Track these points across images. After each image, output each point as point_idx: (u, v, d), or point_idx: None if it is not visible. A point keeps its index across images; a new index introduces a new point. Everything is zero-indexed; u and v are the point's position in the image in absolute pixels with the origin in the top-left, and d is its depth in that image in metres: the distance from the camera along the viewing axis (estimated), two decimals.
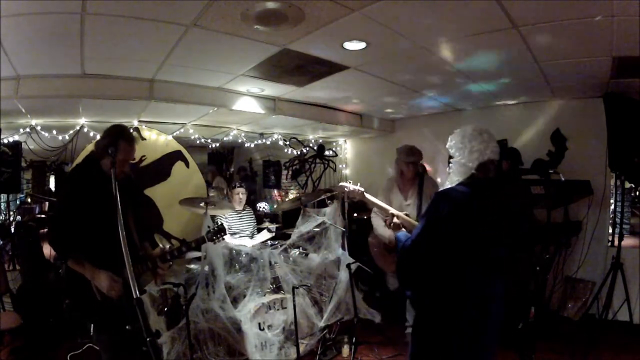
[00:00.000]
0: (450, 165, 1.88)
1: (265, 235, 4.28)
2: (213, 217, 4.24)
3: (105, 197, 1.90)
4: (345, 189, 2.89)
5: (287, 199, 7.45)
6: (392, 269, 3.59)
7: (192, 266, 3.61)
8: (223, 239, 2.77)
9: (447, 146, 1.91)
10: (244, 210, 4.41)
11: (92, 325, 2.23)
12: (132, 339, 1.92)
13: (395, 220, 2.45)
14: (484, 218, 1.73)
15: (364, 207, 3.92)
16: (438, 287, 1.78)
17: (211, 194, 6.23)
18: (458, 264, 1.73)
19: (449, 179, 1.89)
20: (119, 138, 2.17)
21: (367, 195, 2.75)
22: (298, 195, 6.30)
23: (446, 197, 1.75)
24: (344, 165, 7.19)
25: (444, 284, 1.77)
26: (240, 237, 4.29)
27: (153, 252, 2.42)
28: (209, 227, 2.77)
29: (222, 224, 2.80)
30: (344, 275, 3.71)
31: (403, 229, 2.34)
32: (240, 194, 4.36)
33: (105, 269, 2.06)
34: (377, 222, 3.68)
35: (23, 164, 5.34)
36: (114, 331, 2.10)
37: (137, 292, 1.61)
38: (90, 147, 4.40)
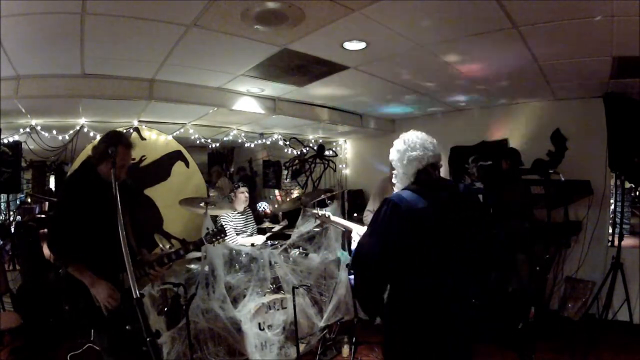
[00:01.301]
0: (394, 175, 1.94)
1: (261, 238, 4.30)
2: (216, 217, 4.26)
3: (103, 202, 1.89)
4: (318, 214, 3.25)
5: (288, 199, 7.45)
6: None
7: (192, 266, 3.61)
8: (223, 240, 2.76)
9: (389, 159, 1.96)
10: (245, 211, 4.45)
11: (92, 329, 2.22)
12: (132, 339, 1.93)
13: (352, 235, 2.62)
14: (427, 217, 1.73)
15: (364, 207, 3.93)
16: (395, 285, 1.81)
17: (212, 194, 6.24)
18: (406, 262, 1.74)
19: (395, 188, 1.94)
20: (117, 143, 2.16)
21: (333, 218, 3.07)
22: (299, 195, 6.30)
23: (388, 200, 1.78)
24: (344, 165, 7.18)
25: (397, 282, 1.80)
26: (242, 237, 4.31)
27: (150, 257, 2.42)
28: (207, 228, 2.76)
29: (222, 226, 2.79)
30: (344, 275, 3.71)
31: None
32: (245, 192, 4.43)
33: (103, 274, 2.06)
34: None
35: (23, 164, 5.33)
36: (113, 333, 2.10)
37: (137, 292, 1.61)
38: (88, 150, 4.41)
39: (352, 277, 1.99)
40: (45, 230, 4.93)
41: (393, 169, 1.97)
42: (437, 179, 1.89)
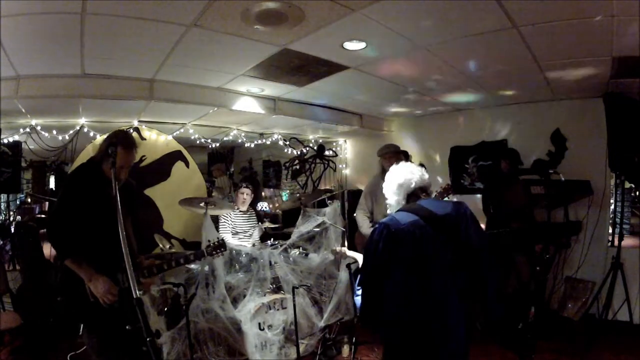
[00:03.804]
0: (388, 207, 2.08)
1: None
2: (217, 217, 4.25)
3: (105, 199, 1.89)
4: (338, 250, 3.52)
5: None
6: None
7: (192, 266, 3.60)
8: (222, 254, 2.80)
9: (384, 192, 2.11)
10: (247, 211, 4.43)
11: (82, 325, 2.21)
12: (123, 340, 1.92)
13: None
14: (415, 231, 1.82)
15: None
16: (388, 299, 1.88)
17: (213, 194, 6.24)
18: (402, 276, 1.82)
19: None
20: (117, 144, 2.16)
21: (348, 253, 3.30)
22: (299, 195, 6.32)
23: (382, 224, 1.90)
24: (344, 165, 7.19)
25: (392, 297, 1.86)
26: (241, 238, 4.30)
27: (147, 263, 2.41)
28: (209, 241, 2.79)
29: (222, 239, 2.81)
30: (344, 275, 3.71)
31: None
32: (245, 194, 4.39)
33: (102, 272, 2.06)
34: (361, 220, 3.75)
35: (23, 164, 5.34)
36: (104, 332, 2.09)
37: (137, 292, 1.61)
38: (88, 150, 4.41)
39: (357, 298, 2.07)
40: (46, 230, 4.91)
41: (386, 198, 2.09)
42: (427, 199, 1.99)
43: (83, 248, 2.06)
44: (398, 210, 1.96)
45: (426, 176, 2.05)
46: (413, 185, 1.99)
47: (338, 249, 3.50)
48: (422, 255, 1.81)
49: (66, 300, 2.21)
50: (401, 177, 2.00)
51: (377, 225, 1.94)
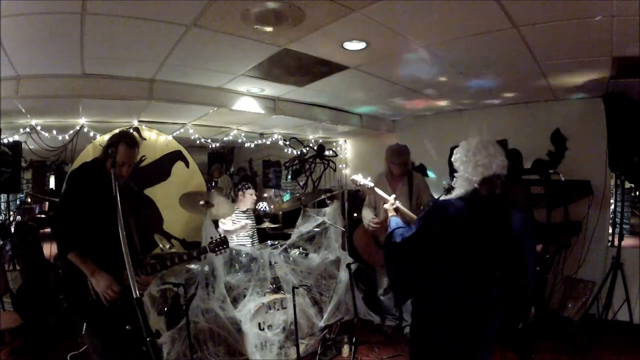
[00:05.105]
0: (455, 179, 1.81)
1: None
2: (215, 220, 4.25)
3: (107, 198, 1.90)
4: (358, 182, 2.97)
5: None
6: (380, 264, 3.62)
7: (192, 266, 3.61)
8: (225, 251, 2.80)
9: (452, 159, 1.85)
10: (246, 211, 4.45)
11: (84, 325, 2.21)
12: (124, 341, 1.92)
13: (388, 206, 2.45)
14: (477, 236, 1.67)
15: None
16: (422, 291, 1.79)
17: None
18: (443, 274, 1.71)
19: (453, 192, 1.82)
20: (119, 141, 2.22)
21: (376, 189, 2.81)
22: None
23: (442, 209, 1.71)
24: (344, 165, 7.19)
25: (428, 290, 1.77)
26: (242, 238, 4.30)
27: (149, 260, 2.42)
28: (211, 237, 2.79)
29: (225, 236, 2.82)
30: (344, 275, 3.72)
31: (397, 216, 2.30)
32: (254, 194, 4.50)
33: (105, 270, 2.06)
34: (367, 215, 3.72)
35: (23, 164, 5.34)
36: (106, 332, 2.09)
37: (137, 292, 1.61)
38: (88, 150, 4.41)
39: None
40: (47, 228, 4.92)
41: (455, 171, 1.82)
42: (496, 195, 1.75)
43: (86, 245, 2.07)
44: (461, 197, 1.71)
45: (506, 162, 1.75)
46: (492, 170, 1.69)
47: (362, 182, 2.91)
48: (466, 253, 1.66)
49: (67, 298, 2.21)
50: (483, 155, 1.70)
51: (436, 207, 1.74)
